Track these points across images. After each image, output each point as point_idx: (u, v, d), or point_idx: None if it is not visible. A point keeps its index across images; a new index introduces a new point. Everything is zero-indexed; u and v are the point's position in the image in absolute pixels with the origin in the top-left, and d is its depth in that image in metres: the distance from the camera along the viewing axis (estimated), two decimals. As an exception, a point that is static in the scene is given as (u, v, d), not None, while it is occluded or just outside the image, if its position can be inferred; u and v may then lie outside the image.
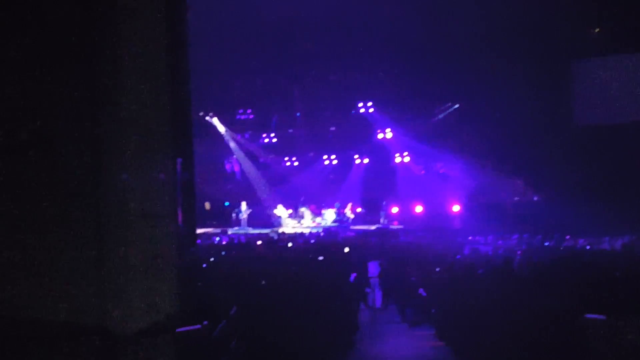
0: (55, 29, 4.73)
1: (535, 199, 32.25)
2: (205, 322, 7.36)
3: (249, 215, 33.30)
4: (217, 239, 26.32)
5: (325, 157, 37.81)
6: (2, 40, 4.70)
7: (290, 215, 34.51)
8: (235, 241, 24.61)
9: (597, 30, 29.73)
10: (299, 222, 33.94)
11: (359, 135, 36.60)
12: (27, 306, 4.64)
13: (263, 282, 11.27)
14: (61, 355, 4.58)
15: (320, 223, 33.46)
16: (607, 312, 7.73)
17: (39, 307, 4.63)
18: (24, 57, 4.70)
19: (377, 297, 17.07)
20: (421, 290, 14.76)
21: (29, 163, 4.67)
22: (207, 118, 35.86)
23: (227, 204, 36.27)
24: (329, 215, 33.77)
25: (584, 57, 30.03)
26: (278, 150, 38.27)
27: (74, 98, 4.71)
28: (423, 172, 35.59)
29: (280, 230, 30.36)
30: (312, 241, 24.02)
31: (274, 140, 38.17)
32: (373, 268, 17.63)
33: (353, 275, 16.08)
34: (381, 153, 36.32)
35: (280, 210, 34.04)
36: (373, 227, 31.79)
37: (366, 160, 37.00)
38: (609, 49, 29.08)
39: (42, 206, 4.66)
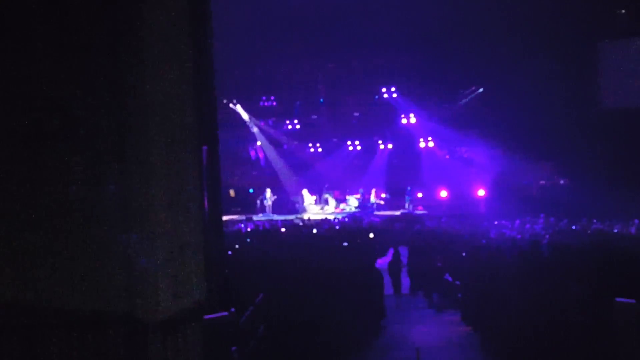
0: (80, 17, 4.73)
1: (562, 182, 32.00)
2: (232, 309, 7.38)
3: (274, 202, 33.35)
4: (242, 225, 26.40)
5: (349, 143, 37.73)
6: (28, 31, 4.72)
7: (314, 202, 34.54)
8: (260, 228, 24.70)
9: (623, 11, 29.30)
10: (322, 208, 33.95)
11: (383, 120, 36.50)
12: (55, 295, 4.67)
13: (289, 269, 11.28)
14: (89, 344, 4.61)
15: (345, 209, 33.45)
16: (637, 296, 7.65)
17: (68, 296, 4.66)
18: (49, 47, 4.71)
19: (403, 283, 17.04)
20: (447, 276, 14.72)
21: (56, 151, 4.69)
22: (231, 105, 35.90)
23: (251, 190, 36.38)
24: (353, 202, 33.76)
25: (610, 38, 29.63)
26: (302, 136, 38.26)
27: (100, 87, 4.72)
28: (447, 156, 35.46)
29: (306, 216, 30.40)
30: (337, 227, 24.03)
31: (298, 126, 38.13)
32: (392, 254, 17.57)
33: (379, 261, 16.07)
34: (405, 138, 36.18)
35: (306, 195, 34.01)
36: (398, 213, 31.73)
37: (390, 146, 36.91)
38: (636, 30, 28.68)
39: (69, 194, 4.68)
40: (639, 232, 18.73)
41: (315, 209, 33.83)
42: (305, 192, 34.17)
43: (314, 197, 34.58)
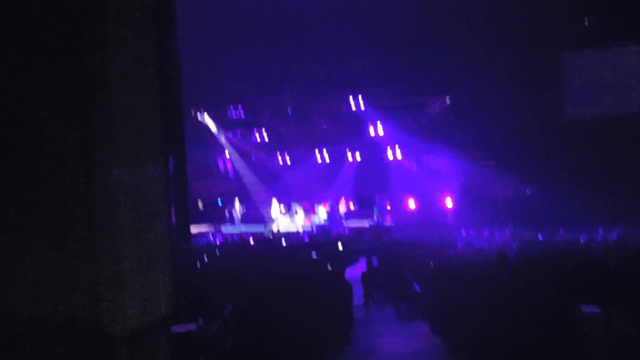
0: (42, 27, 4.69)
1: (528, 192, 32.32)
2: (200, 321, 7.34)
3: (243, 213, 33.26)
4: (211, 237, 26.32)
5: (317, 153, 37.76)
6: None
7: (284, 212, 34.52)
8: (229, 240, 24.64)
9: (586, 22, 29.74)
10: (291, 219, 33.91)
11: (351, 130, 36.57)
12: (18, 306, 4.60)
13: (258, 280, 11.25)
14: (54, 355, 4.55)
15: (314, 220, 33.45)
16: (602, 304, 7.75)
17: (31, 306, 4.59)
18: (10, 56, 4.65)
19: (372, 293, 17.07)
20: (416, 286, 14.77)
21: (18, 161, 4.63)
22: (199, 117, 35.80)
23: (220, 202, 36.26)
24: (322, 213, 33.79)
25: (574, 49, 30.06)
26: (270, 147, 38.20)
27: (63, 97, 4.67)
28: (415, 167, 35.60)
29: (275, 228, 30.36)
30: (306, 239, 24.04)
31: (266, 137, 38.10)
32: (366, 264, 17.62)
33: (347, 272, 16.07)
34: (373, 149, 36.28)
35: (275, 205, 33.94)
36: (366, 224, 31.79)
37: (358, 156, 36.98)
38: (599, 40, 29.13)
39: (32, 205, 4.62)
40: (605, 240, 18.98)
41: (284, 220, 33.80)
42: (274, 202, 34.07)
43: (282, 207, 34.57)
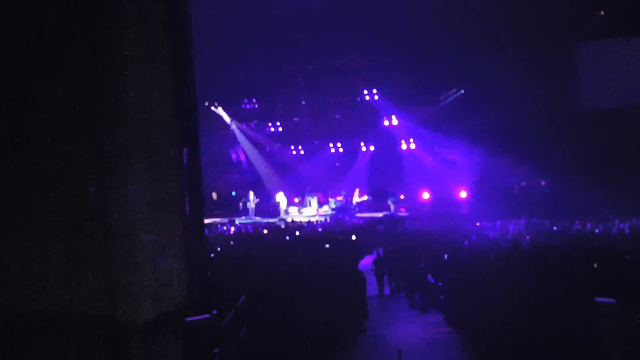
0: (56, 22, 4.71)
1: (542, 183, 32.18)
2: (214, 312, 7.36)
3: (257, 204, 33.29)
4: (225, 228, 26.37)
5: (331, 145, 37.75)
6: (1, 37, 4.68)
7: (298, 204, 34.54)
8: (243, 230, 24.67)
9: (601, 12, 29.53)
10: (299, 210, 33.93)
11: (365, 122, 36.55)
12: (37, 299, 4.64)
13: (271, 271, 11.29)
14: (70, 347, 4.58)
15: (327, 211, 33.46)
16: (617, 295, 7.71)
17: (49, 300, 4.63)
18: (24, 52, 4.68)
19: (386, 284, 17.09)
20: (429, 277, 14.76)
21: (35, 155, 4.66)
22: (212, 108, 35.84)
23: (234, 193, 36.32)
24: (332, 203, 33.79)
25: (589, 39, 29.86)
26: (284, 139, 38.21)
27: (79, 92, 4.70)
28: (429, 158, 35.51)
29: (289, 218, 30.40)
30: (319, 229, 24.05)
31: (280, 129, 38.11)
32: (380, 255, 17.63)
33: (361, 262, 16.08)
34: (387, 140, 36.23)
35: (281, 198, 33.96)
36: (380, 214, 31.76)
37: (372, 148, 36.94)
38: (614, 31, 28.92)
39: (47, 199, 4.65)
40: (620, 232, 18.85)
41: (293, 211, 33.82)
42: (280, 195, 34.06)
43: (296, 200, 34.61)
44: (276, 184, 36.12)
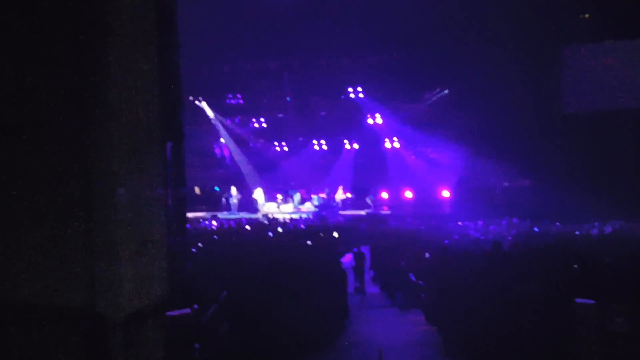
0: (39, 18, 4.67)
1: (525, 184, 32.33)
2: (195, 307, 7.35)
3: (239, 200, 33.26)
4: (207, 223, 26.33)
5: (315, 142, 37.77)
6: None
7: (281, 201, 34.54)
8: (225, 226, 24.64)
9: (587, 16, 29.72)
10: (277, 207, 33.91)
11: (349, 120, 36.56)
12: (14, 290, 4.61)
13: (253, 267, 11.27)
14: (48, 339, 4.55)
15: (310, 208, 33.49)
16: (597, 297, 7.77)
17: (26, 291, 4.60)
18: (15, 49, 4.64)
19: (367, 282, 17.11)
20: (411, 275, 14.79)
21: (16, 147, 4.62)
22: (197, 102, 35.75)
23: (216, 188, 36.26)
24: (314, 200, 33.82)
25: (574, 42, 30.05)
26: (268, 135, 38.19)
27: (61, 85, 4.66)
28: (413, 157, 35.61)
29: (271, 214, 30.40)
30: (302, 226, 24.06)
31: (264, 125, 38.08)
32: (362, 253, 17.64)
33: (343, 260, 16.08)
34: (371, 138, 36.29)
35: (258, 194, 33.94)
36: (363, 212, 31.84)
37: (356, 146, 37.00)
38: (598, 35, 29.12)
39: (30, 191, 4.61)
40: (600, 234, 18.98)
41: (271, 207, 33.81)
42: (258, 191, 34.02)
43: (280, 197, 34.59)
44: (259, 180, 36.09)
